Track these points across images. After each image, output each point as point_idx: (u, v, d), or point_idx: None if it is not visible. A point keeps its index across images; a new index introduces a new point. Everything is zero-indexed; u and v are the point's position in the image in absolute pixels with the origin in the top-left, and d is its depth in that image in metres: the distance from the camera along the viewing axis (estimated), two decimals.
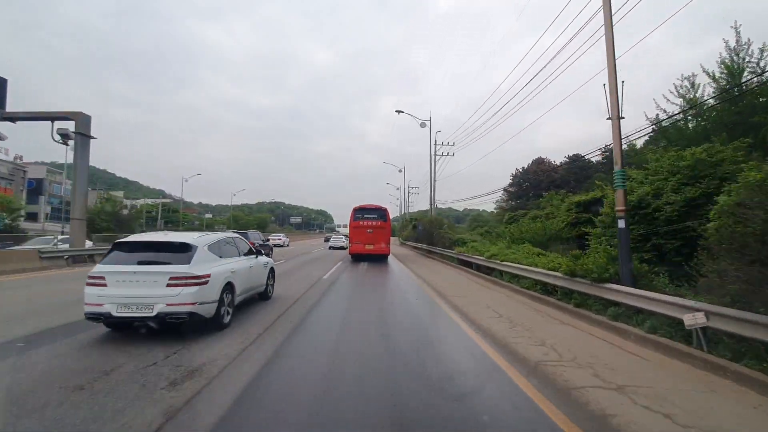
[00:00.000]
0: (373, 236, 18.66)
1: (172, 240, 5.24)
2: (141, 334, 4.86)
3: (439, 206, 52.08)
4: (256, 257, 7.12)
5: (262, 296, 7.47)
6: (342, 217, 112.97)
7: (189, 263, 4.85)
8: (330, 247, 31.04)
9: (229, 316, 5.53)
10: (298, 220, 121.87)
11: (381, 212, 19.58)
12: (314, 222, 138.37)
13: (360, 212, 19.15)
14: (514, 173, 50.14)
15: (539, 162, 46.95)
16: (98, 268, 4.78)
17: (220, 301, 5.21)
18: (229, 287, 5.52)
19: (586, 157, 36.02)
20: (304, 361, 4.24)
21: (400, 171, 48.78)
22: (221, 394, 3.19)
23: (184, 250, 5.03)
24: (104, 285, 4.63)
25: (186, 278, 4.71)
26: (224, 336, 4.95)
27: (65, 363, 3.90)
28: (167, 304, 4.57)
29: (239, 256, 6.42)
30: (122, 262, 4.83)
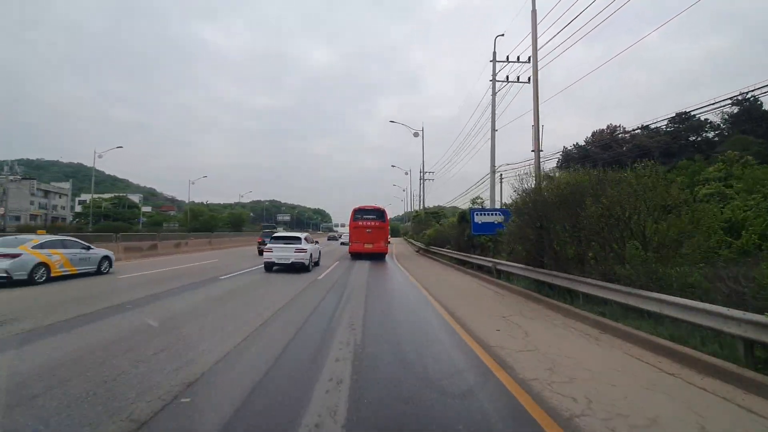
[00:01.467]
0: (372, 236, 19.97)
1: (294, 235, 13.37)
2: (287, 272, 12.81)
3: (428, 205, 44.22)
4: (316, 244, 15.15)
5: (316, 264, 15.41)
6: (341, 217, 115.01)
7: (301, 244, 12.90)
8: (341, 243, 36.62)
9: (311, 267, 13.54)
10: (287, 218, 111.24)
11: (379, 213, 20.79)
12: (311, 221, 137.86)
13: (359, 213, 20.40)
14: (563, 150, 37.89)
15: (611, 131, 35.40)
16: (269, 245, 12.80)
17: (309, 260, 13.22)
18: (311, 255, 13.52)
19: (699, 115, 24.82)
20: (339, 278, 12.20)
21: (416, 134, 32.90)
22: (319, 285, 11.11)
23: (298, 238, 13.11)
24: (271, 251, 12.65)
25: (301, 249, 12.76)
26: (310, 273, 12.81)
27: (265, 276, 11.89)
28: (295, 259, 12.59)
29: (312, 243, 14.44)
30: (277, 242, 12.91)
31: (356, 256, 19.91)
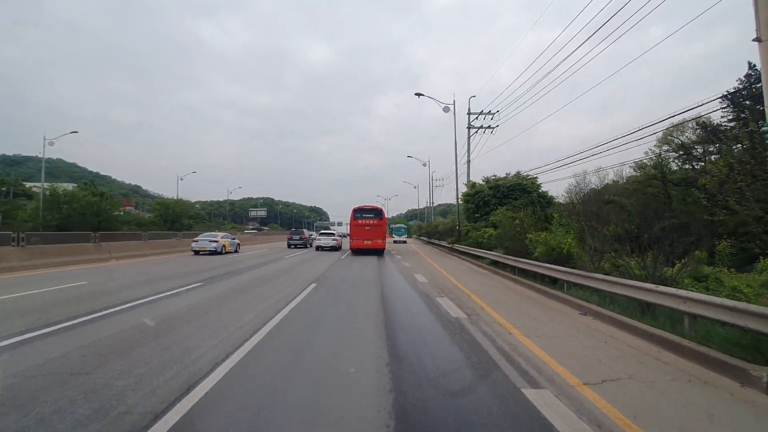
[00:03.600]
0: (371, 233, 22.66)
1: (331, 231, 26.09)
2: (328, 252, 24.84)
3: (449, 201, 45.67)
4: (341, 237, 27.42)
5: (340, 248, 27.39)
6: (339, 215, 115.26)
7: (335, 236, 25.31)
8: None
9: (339, 248, 25.69)
10: (262, 213, 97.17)
11: (377, 212, 23.68)
12: (306, 219, 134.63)
13: (359, 212, 23.13)
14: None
15: None
16: (317, 237, 25.28)
17: (339, 244, 25.45)
18: (339, 242, 25.72)
19: None
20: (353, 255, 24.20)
21: (446, 109, 25.22)
22: (345, 256, 23.06)
23: (333, 233, 25.73)
24: (320, 240, 25.05)
25: (335, 239, 25.12)
26: (339, 252, 24.57)
27: (316, 254, 23.99)
28: (332, 244, 24.87)
29: (340, 236, 26.74)
30: (322, 235, 25.32)
31: (356, 251, 22.71)
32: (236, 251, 22.90)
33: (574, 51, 24.61)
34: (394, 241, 43.90)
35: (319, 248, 24.98)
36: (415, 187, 54.65)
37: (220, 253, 20.72)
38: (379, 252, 22.57)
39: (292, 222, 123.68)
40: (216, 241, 20.78)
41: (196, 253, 20.46)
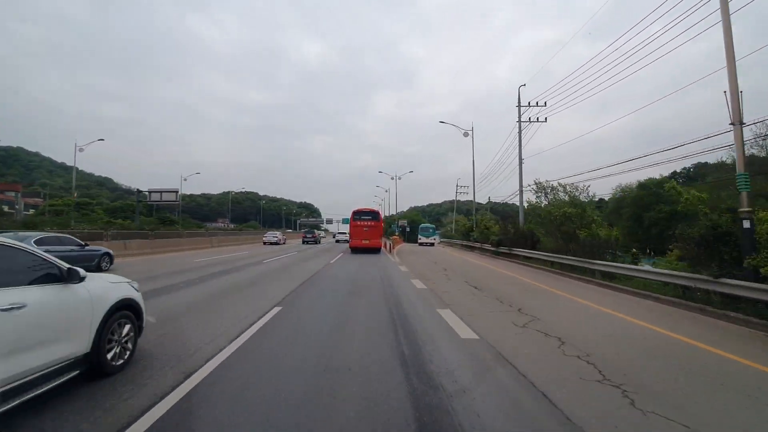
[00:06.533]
0: (368, 233, 25.17)
1: (344, 231, 42.18)
2: (341, 245, 40.54)
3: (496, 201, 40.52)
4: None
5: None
6: (331, 213, 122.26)
7: (346, 235, 40.84)
8: None
9: (346, 242, 41.14)
10: (171, 198, 45.39)
11: (374, 214, 26.71)
12: (295, 218, 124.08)
13: (358, 214, 26.20)
14: None
15: None
16: (336, 235, 44.03)
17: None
18: (341, 239, 41.53)
19: None
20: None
21: (466, 134, 30.81)
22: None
23: (345, 233, 41.22)
24: (338, 236, 42.88)
25: (344, 235, 40.94)
26: (345, 245, 39.83)
27: (335, 244, 39.35)
28: (346, 239, 40.67)
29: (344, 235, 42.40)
30: (340, 233, 42.80)
31: (355, 250, 25.25)
32: (284, 243, 37.70)
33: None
34: (420, 243, 42.90)
35: (337, 241, 40.90)
36: (466, 134, 33.25)
37: (279, 244, 35.45)
38: (375, 251, 25.44)
39: (276, 219, 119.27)
40: (276, 237, 36.70)
41: (265, 243, 35.12)
